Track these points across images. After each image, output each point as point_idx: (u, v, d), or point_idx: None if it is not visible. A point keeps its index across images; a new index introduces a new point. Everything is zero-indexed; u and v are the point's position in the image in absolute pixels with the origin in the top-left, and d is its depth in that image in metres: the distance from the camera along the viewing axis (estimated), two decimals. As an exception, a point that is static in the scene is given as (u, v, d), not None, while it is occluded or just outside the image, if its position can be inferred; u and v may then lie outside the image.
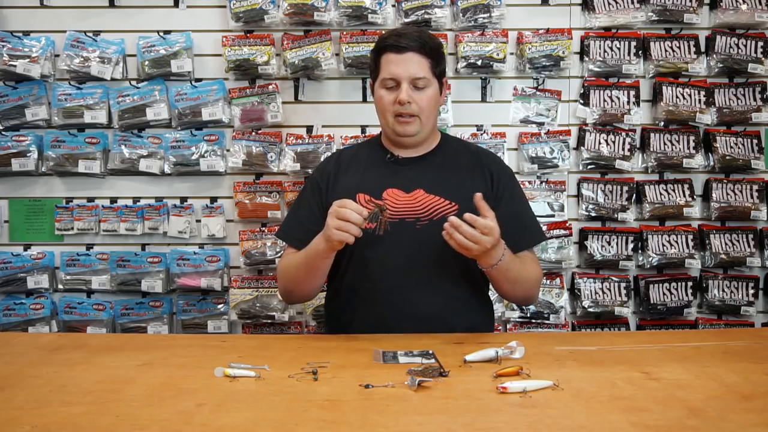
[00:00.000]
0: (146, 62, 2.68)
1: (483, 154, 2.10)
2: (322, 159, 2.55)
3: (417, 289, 1.89)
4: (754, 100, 2.77)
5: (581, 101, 2.77)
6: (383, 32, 2.11)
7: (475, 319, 1.98)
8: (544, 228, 2.67)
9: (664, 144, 2.75)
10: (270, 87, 2.71)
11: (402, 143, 2.00)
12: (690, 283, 2.76)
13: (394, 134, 1.97)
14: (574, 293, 2.77)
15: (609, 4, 2.73)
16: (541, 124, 2.76)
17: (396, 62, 1.90)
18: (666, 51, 2.74)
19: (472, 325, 1.94)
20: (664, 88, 2.74)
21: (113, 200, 2.76)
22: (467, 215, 1.70)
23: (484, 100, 2.76)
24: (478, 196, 1.74)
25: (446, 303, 1.92)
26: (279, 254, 2.68)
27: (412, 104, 1.90)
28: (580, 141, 2.76)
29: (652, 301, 2.75)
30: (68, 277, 2.73)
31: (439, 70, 1.96)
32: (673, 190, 2.77)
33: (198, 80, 2.73)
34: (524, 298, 2.01)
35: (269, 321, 2.71)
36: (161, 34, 2.71)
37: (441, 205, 1.92)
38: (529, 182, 2.74)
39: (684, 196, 2.77)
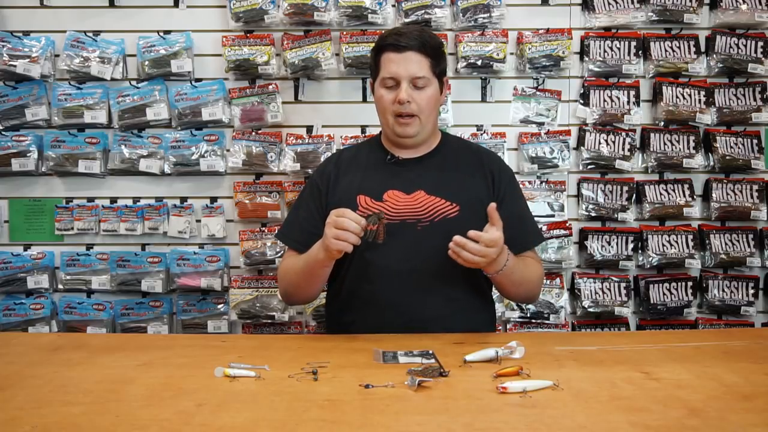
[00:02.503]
0: (146, 62, 2.68)
1: (484, 154, 2.09)
2: (322, 159, 2.55)
3: (417, 290, 1.89)
4: (754, 100, 2.77)
5: (581, 101, 2.77)
6: (383, 32, 2.11)
7: (476, 320, 1.98)
8: (544, 228, 2.69)
9: (664, 144, 2.75)
10: (270, 87, 2.71)
11: (402, 144, 1.99)
12: (690, 283, 2.76)
13: (394, 135, 1.97)
14: (574, 293, 2.77)
15: (609, 4, 2.73)
16: (541, 124, 2.76)
17: (396, 61, 1.90)
18: (666, 51, 2.74)
19: (473, 326, 1.94)
20: (664, 88, 2.74)
21: (113, 200, 2.76)
22: (472, 233, 1.70)
23: (484, 100, 2.76)
24: (492, 206, 1.73)
25: (447, 304, 1.91)
26: (279, 254, 2.68)
27: (412, 104, 1.90)
28: (580, 141, 2.76)
29: (652, 301, 2.75)
30: (68, 277, 2.73)
31: (439, 69, 1.96)
32: (673, 190, 2.77)
33: (198, 80, 2.73)
34: (527, 297, 2.06)
35: (269, 321, 2.71)
36: (161, 34, 2.71)
37: (442, 207, 1.91)
38: (529, 182, 2.74)
39: (684, 196, 2.77)
